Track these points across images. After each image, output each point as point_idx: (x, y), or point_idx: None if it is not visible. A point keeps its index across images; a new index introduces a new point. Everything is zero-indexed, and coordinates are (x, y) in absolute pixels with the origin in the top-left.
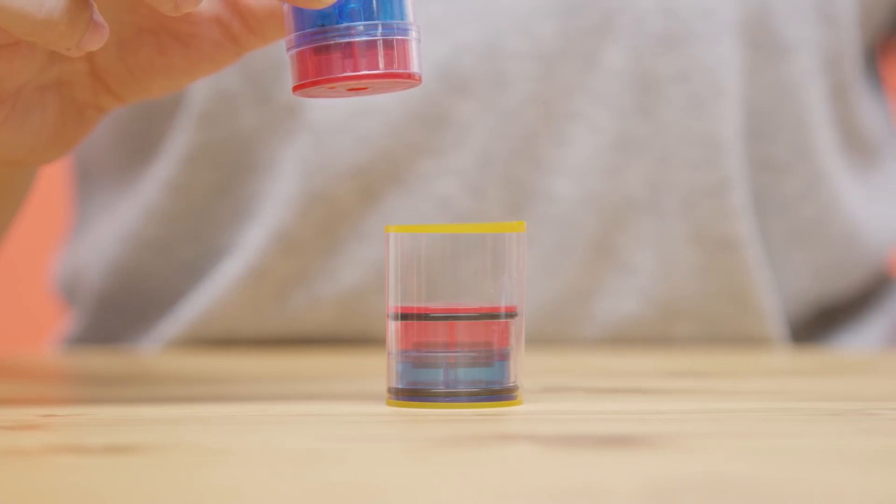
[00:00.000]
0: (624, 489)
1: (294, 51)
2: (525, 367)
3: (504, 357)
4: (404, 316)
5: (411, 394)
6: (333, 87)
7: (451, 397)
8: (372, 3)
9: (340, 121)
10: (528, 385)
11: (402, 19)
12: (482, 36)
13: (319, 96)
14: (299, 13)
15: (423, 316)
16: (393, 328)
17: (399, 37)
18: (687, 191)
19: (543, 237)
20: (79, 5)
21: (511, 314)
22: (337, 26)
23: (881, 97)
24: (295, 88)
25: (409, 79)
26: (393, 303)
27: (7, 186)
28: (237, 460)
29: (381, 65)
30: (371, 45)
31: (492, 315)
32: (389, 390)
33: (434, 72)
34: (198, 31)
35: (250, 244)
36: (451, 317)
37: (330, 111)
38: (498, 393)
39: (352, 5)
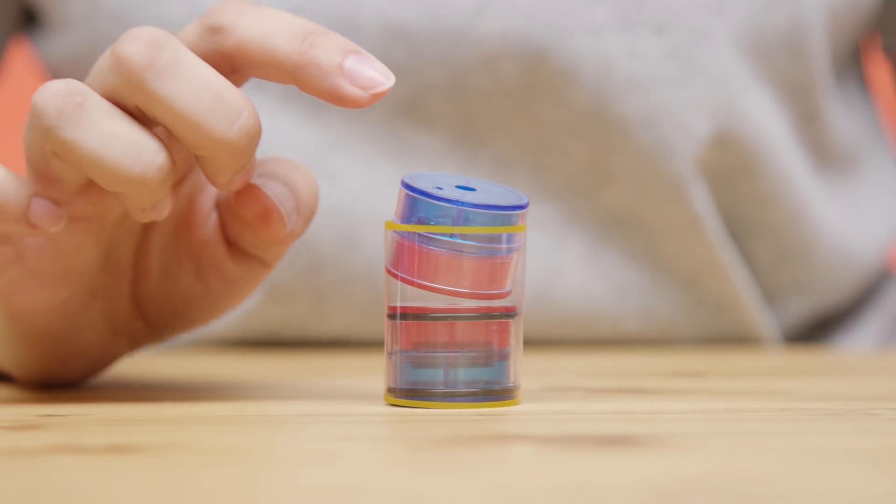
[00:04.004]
0: (624, 489)
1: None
2: (524, 367)
3: (504, 357)
4: (404, 316)
5: (411, 394)
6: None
7: (451, 397)
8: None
9: (313, 157)
10: (527, 385)
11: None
12: (447, 77)
13: None
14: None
15: (422, 316)
16: (392, 328)
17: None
18: (663, 223)
19: (530, 260)
20: (170, 166)
21: (511, 314)
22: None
23: (863, 99)
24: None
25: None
26: (392, 302)
27: None
28: (237, 460)
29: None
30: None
31: (492, 315)
32: (389, 390)
33: (398, 109)
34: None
35: None
36: (451, 317)
37: (299, 150)
38: (498, 393)
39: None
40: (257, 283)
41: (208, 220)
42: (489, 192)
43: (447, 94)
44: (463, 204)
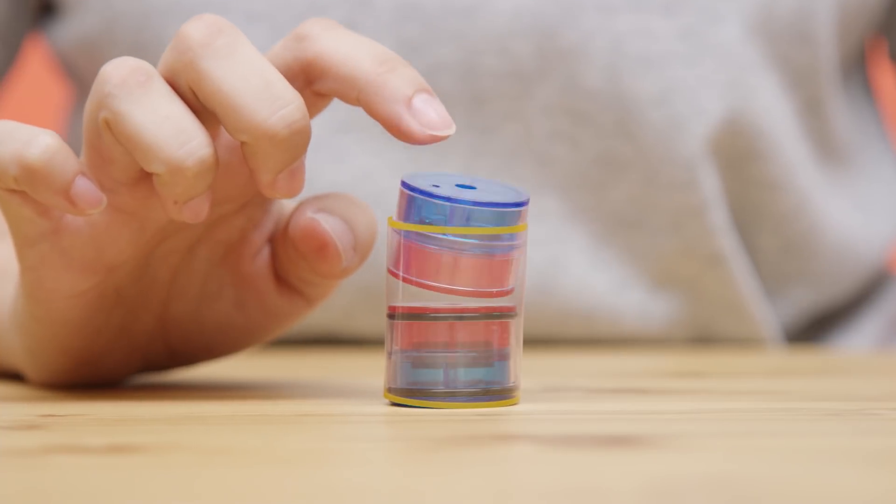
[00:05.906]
0: (624, 489)
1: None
2: (525, 367)
3: (504, 357)
4: (404, 316)
5: (411, 393)
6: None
7: (451, 397)
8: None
9: (320, 137)
10: (527, 385)
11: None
12: (459, 55)
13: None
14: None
15: (423, 316)
16: (392, 328)
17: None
18: (669, 219)
19: (532, 253)
20: (212, 162)
21: (511, 314)
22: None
23: (867, 103)
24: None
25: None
26: (392, 302)
27: None
28: (237, 460)
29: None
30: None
31: (492, 315)
32: (389, 390)
33: None
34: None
35: None
36: (451, 317)
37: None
38: (497, 393)
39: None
40: (295, 320)
41: (259, 255)
42: (490, 189)
43: (459, 74)
44: (462, 202)
